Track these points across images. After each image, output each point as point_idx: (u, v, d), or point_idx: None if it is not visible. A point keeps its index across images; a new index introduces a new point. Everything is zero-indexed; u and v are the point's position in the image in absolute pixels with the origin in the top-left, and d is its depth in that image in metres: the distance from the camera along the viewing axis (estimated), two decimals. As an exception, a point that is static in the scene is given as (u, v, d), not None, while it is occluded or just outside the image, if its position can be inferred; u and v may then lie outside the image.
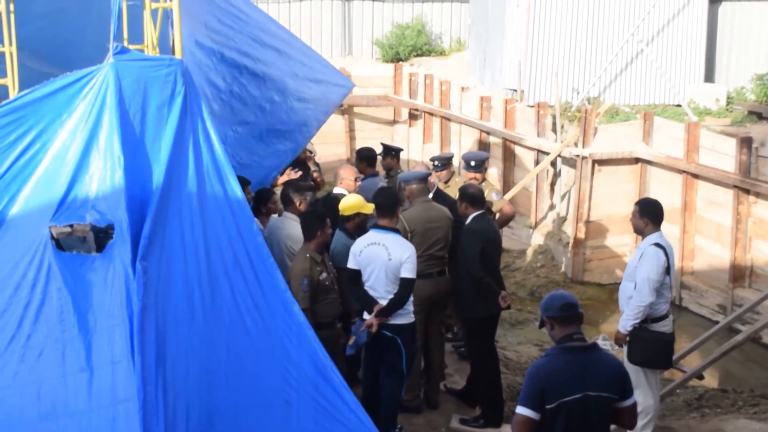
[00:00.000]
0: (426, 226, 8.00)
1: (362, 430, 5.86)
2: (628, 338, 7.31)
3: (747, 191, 12.54)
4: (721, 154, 13.06)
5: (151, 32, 6.01)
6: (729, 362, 10.97)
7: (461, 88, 18.86)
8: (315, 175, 10.55)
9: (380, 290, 7.07)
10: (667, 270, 7.27)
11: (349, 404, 5.84)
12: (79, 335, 5.42)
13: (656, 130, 14.43)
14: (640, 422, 6.89)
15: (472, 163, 9.39)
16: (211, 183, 5.81)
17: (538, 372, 4.85)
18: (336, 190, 8.68)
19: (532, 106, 16.28)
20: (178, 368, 5.45)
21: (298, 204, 8.03)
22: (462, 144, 17.93)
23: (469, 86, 19.05)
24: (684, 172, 13.51)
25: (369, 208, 7.68)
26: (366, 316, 7.15)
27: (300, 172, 9.57)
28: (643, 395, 7.22)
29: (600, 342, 10.13)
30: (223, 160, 5.87)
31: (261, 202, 8.03)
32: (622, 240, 14.44)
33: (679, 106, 16.85)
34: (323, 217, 7.32)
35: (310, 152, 10.81)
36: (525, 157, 16.25)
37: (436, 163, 9.67)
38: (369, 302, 7.10)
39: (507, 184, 16.40)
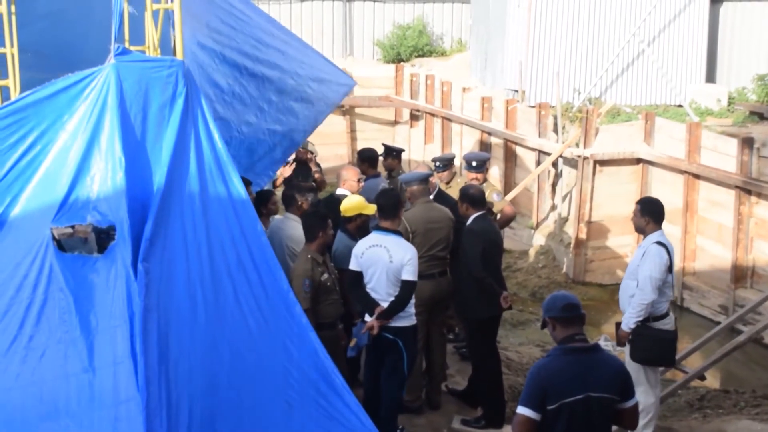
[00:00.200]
0: (427, 227, 8.00)
1: (363, 431, 5.85)
2: (630, 336, 7.32)
3: (748, 192, 12.54)
4: (722, 154, 13.05)
5: (152, 33, 6.01)
6: (731, 363, 10.97)
7: (462, 89, 18.86)
8: (317, 176, 10.57)
9: (381, 292, 7.07)
10: (669, 268, 7.31)
11: (350, 406, 5.83)
12: (81, 336, 5.42)
13: (658, 131, 14.42)
14: (640, 422, 6.89)
15: (474, 164, 9.39)
16: (214, 183, 5.80)
17: (540, 372, 4.85)
18: (339, 191, 8.68)
19: (534, 107, 16.28)
20: (180, 369, 5.45)
21: (300, 204, 8.04)
22: (463, 145, 17.93)
23: (471, 87, 19.06)
24: (685, 172, 13.51)
25: (371, 209, 7.69)
26: (367, 318, 7.15)
27: (294, 164, 9.61)
28: (644, 394, 7.22)
29: (602, 343, 10.14)
30: (226, 160, 5.86)
31: (261, 203, 8.04)
32: (623, 240, 14.43)
33: (680, 106, 16.85)
34: (325, 218, 7.33)
35: (312, 153, 10.82)
36: (526, 157, 16.25)
37: (438, 163, 9.67)
38: (370, 304, 7.10)
39: (508, 184, 16.39)
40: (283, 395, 5.77)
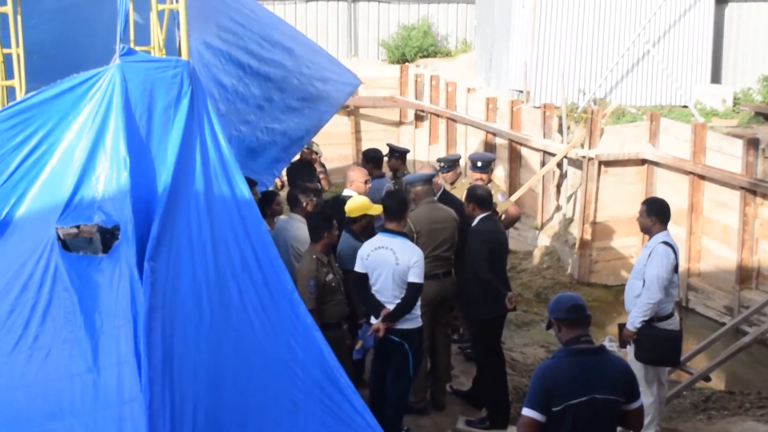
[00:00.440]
0: (431, 227, 7.99)
1: (368, 431, 5.85)
2: (635, 336, 7.31)
3: (754, 193, 12.51)
4: (727, 155, 13.03)
5: (157, 34, 6.02)
6: (736, 364, 10.95)
7: (467, 90, 18.86)
8: (321, 176, 10.57)
9: (387, 294, 7.05)
10: (675, 268, 7.32)
11: (356, 406, 5.83)
12: (86, 336, 5.42)
13: (663, 132, 14.40)
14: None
15: (479, 164, 9.39)
16: (219, 184, 5.81)
17: (545, 374, 4.84)
18: (346, 192, 8.66)
19: (538, 108, 16.27)
20: (185, 369, 5.45)
21: (304, 205, 8.04)
22: (468, 145, 17.92)
23: (475, 87, 19.05)
24: (690, 173, 13.49)
25: (375, 210, 7.68)
26: (373, 320, 7.14)
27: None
28: (643, 395, 7.20)
29: (606, 344, 10.12)
30: (230, 160, 5.87)
31: (265, 204, 8.05)
32: (628, 241, 14.42)
33: (685, 107, 16.83)
34: (330, 218, 7.32)
35: (316, 153, 10.82)
36: (531, 158, 16.24)
37: (442, 164, 9.67)
38: (376, 306, 7.08)
39: (513, 185, 16.38)
40: (288, 395, 5.77)
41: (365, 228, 7.78)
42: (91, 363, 5.39)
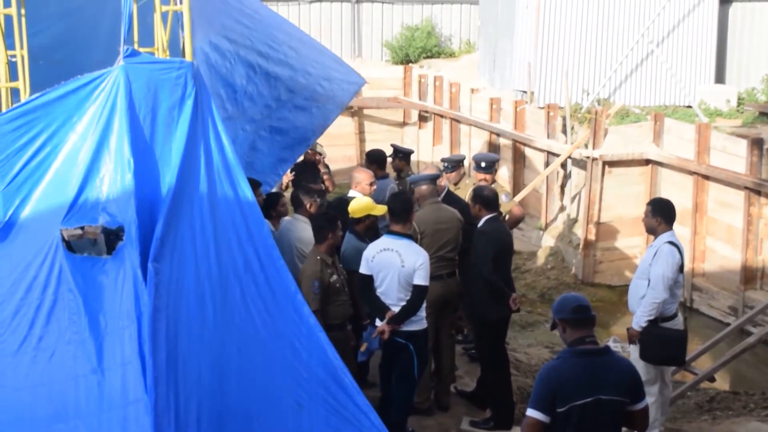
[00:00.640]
0: (435, 228, 7.99)
1: (373, 431, 5.85)
2: (639, 336, 7.31)
3: (758, 192, 12.50)
4: (732, 155, 13.01)
5: (161, 35, 6.02)
6: (740, 364, 10.94)
7: (471, 90, 18.86)
8: (325, 177, 10.57)
9: (392, 297, 7.04)
10: (680, 268, 7.33)
11: (361, 406, 5.83)
12: (90, 337, 5.43)
13: (667, 132, 14.39)
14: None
15: (482, 164, 9.38)
16: (222, 185, 5.81)
17: (549, 374, 4.84)
18: (351, 193, 8.64)
19: (542, 108, 16.26)
20: (189, 370, 5.45)
21: (308, 206, 8.05)
22: (472, 146, 17.92)
23: (479, 88, 19.05)
24: (695, 173, 13.47)
25: (379, 210, 7.68)
26: (378, 322, 7.13)
27: (293, 174, 9.61)
28: (647, 395, 7.20)
29: (611, 344, 10.11)
30: (234, 162, 5.87)
31: (270, 206, 8.05)
32: (632, 241, 14.41)
33: (689, 107, 16.81)
34: (334, 219, 7.32)
35: (320, 154, 10.83)
36: (535, 158, 16.23)
37: (446, 164, 9.66)
38: (381, 309, 7.07)
39: (517, 185, 16.38)
40: (293, 396, 5.77)
41: (369, 228, 7.78)
42: (96, 364, 5.40)
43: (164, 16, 6.04)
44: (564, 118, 15.54)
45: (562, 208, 15.52)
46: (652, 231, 7.49)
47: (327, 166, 10.96)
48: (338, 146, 18.27)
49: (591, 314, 4.96)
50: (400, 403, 7.21)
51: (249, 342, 5.73)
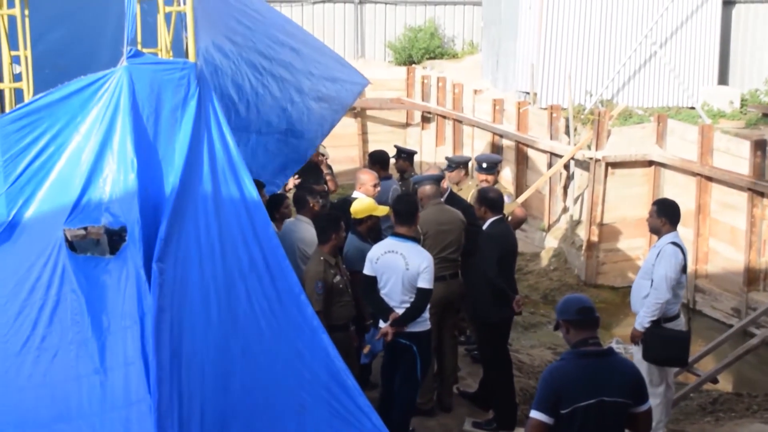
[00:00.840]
0: (438, 229, 7.98)
1: (375, 433, 5.86)
2: (642, 336, 7.31)
3: (761, 194, 12.48)
4: (735, 156, 13.00)
5: (164, 36, 6.03)
6: (743, 366, 10.92)
7: (474, 91, 18.85)
8: (328, 178, 10.56)
9: (396, 299, 7.02)
10: (684, 269, 7.32)
11: (363, 408, 5.83)
12: (93, 337, 5.44)
13: (670, 133, 14.38)
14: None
15: (485, 165, 9.36)
16: (227, 185, 5.82)
17: (553, 376, 4.83)
18: (355, 194, 8.63)
19: (545, 109, 16.25)
20: (192, 370, 5.46)
21: (311, 206, 8.04)
22: (475, 147, 17.92)
23: (482, 89, 19.04)
24: (698, 174, 13.46)
25: (381, 211, 7.67)
26: (381, 324, 7.12)
27: (299, 179, 9.60)
28: (650, 397, 7.19)
29: (614, 346, 10.11)
30: (238, 162, 5.87)
31: (273, 208, 8.05)
32: (635, 243, 14.39)
33: (692, 108, 16.79)
34: (338, 219, 7.31)
35: (323, 155, 10.82)
36: (538, 159, 16.22)
37: (448, 163, 9.64)
38: (385, 310, 7.05)
39: (520, 187, 16.37)
40: (295, 397, 5.78)
41: (371, 229, 7.77)
42: (98, 364, 5.41)
43: (168, 17, 6.04)
44: (567, 120, 15.53)
45: (565, 210, 15.51)
46: (656, 231, 7.49)
47: (330, 167, 10.95)
48: (341, 147, 18.26)
49: (595, 315, 4.95)
50: (403, 403, 7.21)
51: (253, 343, 5.73)
